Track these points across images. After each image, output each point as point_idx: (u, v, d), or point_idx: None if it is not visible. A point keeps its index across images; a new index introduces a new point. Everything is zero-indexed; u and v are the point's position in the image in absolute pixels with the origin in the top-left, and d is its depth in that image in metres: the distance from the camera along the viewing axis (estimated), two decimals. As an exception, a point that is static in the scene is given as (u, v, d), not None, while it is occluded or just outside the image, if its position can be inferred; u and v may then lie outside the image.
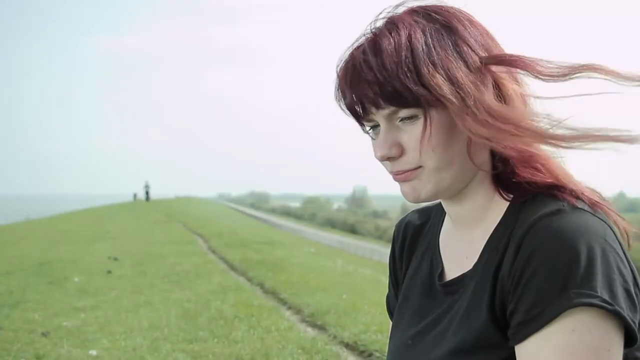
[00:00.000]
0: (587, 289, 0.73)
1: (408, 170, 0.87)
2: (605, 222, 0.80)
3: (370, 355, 4.55)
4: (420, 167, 0.86)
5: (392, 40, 0.83)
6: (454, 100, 0.81)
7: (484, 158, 0.88)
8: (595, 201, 0.83)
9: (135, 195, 59.62)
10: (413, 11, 0.87)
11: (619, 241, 0.80)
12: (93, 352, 4.78)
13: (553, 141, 0.80)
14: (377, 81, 0.82)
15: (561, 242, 0.76)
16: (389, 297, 1.14)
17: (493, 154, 0.88)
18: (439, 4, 0.89)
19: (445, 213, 1.00)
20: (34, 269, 9.86)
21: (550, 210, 0.79)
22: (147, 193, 52.50)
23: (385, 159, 0.87)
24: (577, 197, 0.83)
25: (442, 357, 0.86)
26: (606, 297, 0.74)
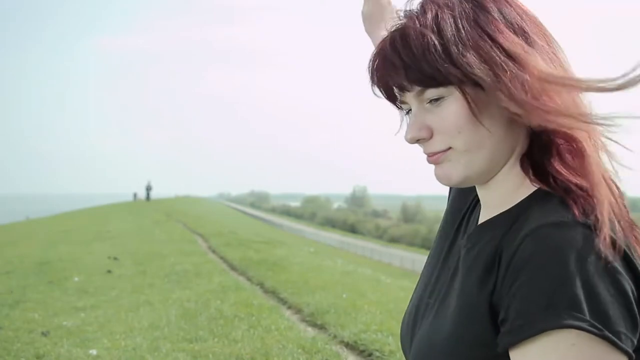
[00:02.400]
0: (576, 311, 0.71)
1: (438, 152, 0.87)
2: (607, 237, 0.76)
3: (370, 354, 4.55)
4: (450, 148, 0.86)
5: (418, 22, 0.84)
6: (486, 78, 0.81)
7: (519, 142, 0.86)
8: (603, 212, 0.78)
9: (135, 195, 59.64)
10: None
11: (625, 259, 0.76)
12: (93, 352, 4.79)
13: (585, 125, 0.80)
14: (403, 64, 0.84)
15: (555, 257, 0.74)
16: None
17: (532, 140, 0.86)
18: None
19: None
20: (34, 269, 9.87)
21: (553, 221, 0.77)
22: (148, 193, 52.58)
23: (415, 141, 0.88)
24: (590, 210, 0.79)
25: (440, 343, 0.87)
26: (596, 321, 0.71)
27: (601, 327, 0.71)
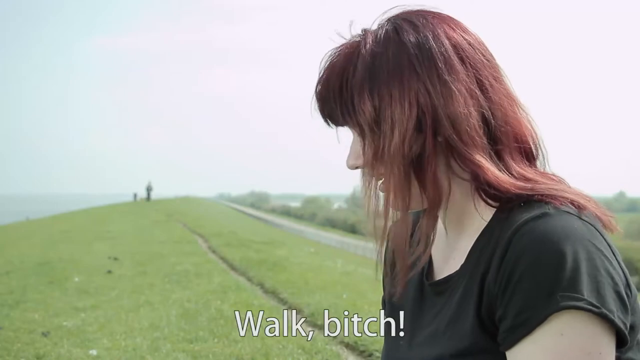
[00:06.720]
0: (573, 292, 0.73)
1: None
2: (592, 225, 0.79)
3: (370, 355, 4.55)
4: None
5: (336, 63, 0.87)
6: (370, 135, 0.84)
7: (459, 171, 0.86)
8: (581, 204, 0.81)
9: (135, 195, 59.65)
10: (382, 25, 0.87)
11: (607, 243, 0.79)
12: (93, 352, 4.79)
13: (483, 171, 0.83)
14: (321, 104, 0.88)
15: (546, 245, 0.75)
16: (384, 298, 1.13)
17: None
18: (418, 12, 0.87)
19: None
20: (34, 269, 9.86)
21: (536, 214, 0.78)
22: (148, 193, 52.65)
23: (353, 168, 0.90)
24: (563, 201, 0.81)
25: None
26: (593, 300, 0.73)
27: (598, 305, 0.73)
